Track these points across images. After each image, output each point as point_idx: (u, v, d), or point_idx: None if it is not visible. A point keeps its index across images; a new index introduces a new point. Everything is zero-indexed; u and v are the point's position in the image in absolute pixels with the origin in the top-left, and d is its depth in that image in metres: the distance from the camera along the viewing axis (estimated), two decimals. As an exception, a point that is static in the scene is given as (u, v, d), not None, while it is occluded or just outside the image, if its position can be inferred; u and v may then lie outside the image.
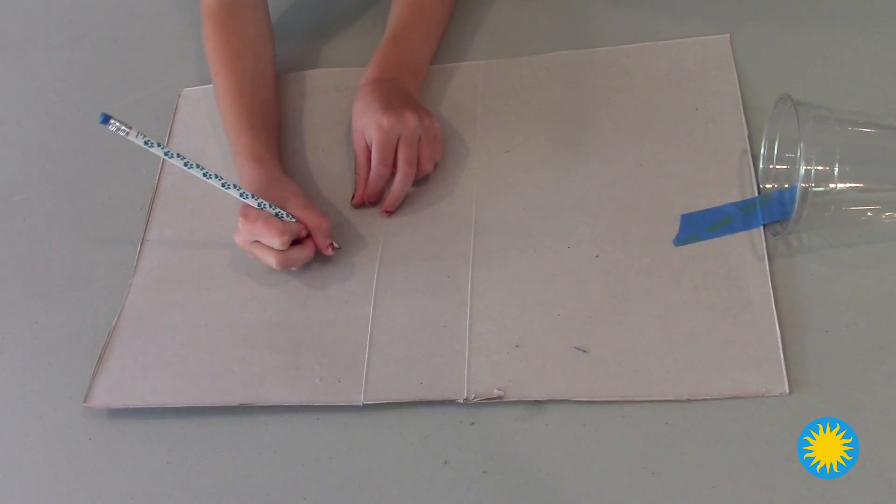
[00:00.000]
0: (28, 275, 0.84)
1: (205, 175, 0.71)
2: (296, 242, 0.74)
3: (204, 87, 0.93)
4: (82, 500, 0.69)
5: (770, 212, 0.69)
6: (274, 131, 0.83)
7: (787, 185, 0.71)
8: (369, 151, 0.77)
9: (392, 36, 0.84)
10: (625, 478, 0.61)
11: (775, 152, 0.71)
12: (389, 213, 0.78)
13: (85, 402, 0.73)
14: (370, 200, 0.79)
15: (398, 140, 0.75)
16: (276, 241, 0.71)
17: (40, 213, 0.89)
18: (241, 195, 0.72)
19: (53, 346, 0.78)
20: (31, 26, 1.08)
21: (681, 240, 0.70)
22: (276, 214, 0.72)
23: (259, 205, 0.72)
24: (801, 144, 0.63)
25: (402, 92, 0.79)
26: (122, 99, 0.94)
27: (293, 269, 0.75)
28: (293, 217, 0.73)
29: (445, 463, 0.65)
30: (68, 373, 0.76)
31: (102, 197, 0.88)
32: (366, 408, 0.68)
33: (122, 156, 0.90)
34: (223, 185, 0.72)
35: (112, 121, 0.66)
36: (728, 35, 0.81)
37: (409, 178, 0.76)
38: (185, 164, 0.70)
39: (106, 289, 0.80)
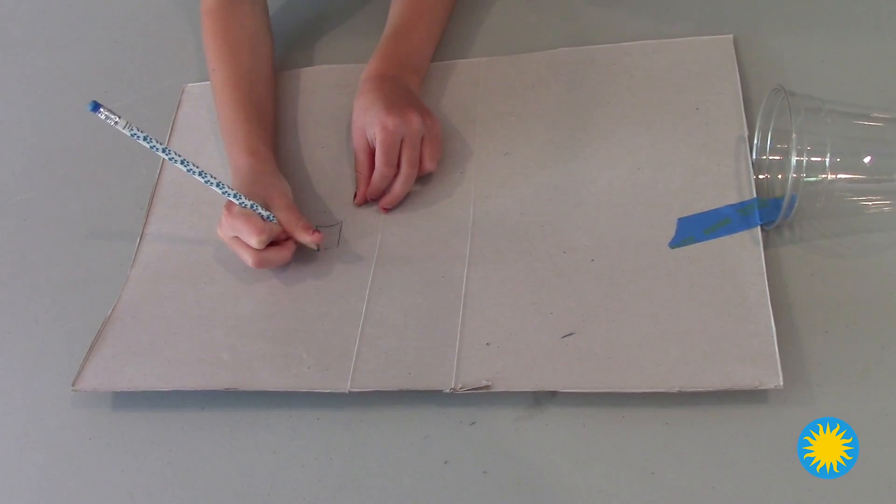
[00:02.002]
0: (28, 274, 0.84)
1: (188, 171, 0.71)
2: (276, 243, 0.74)
3: (207, 83, 0.92)
4: (82, 500, 0.69)
5: (768, 213, 0.69)
6: (270, 126, 0.84)
7: (780, 176, 0.71)
8: (370, 149, 0.78)
9: (393, 32, 0.84)
10: (625, 478, 0.61)
11: (768, 143, 0.72)
12: (387, 210, 0.78)
13: (74, 385, 0.73)
14: (371, 199, 0.79)
15: (402, 140, 0.75)
16: (254, 240, 0.71)
17: (40, 213, 0.89)
18: (224, 192, 0.72)
19: (53, 346, 0.79)
20: (31, 26, 1.08)
21: (677, 242, 0.70)
22: (260, 214, 0.73)
23: (242, 204, 0.72)
24: (794, 135, 0.63)
25: (404, 90, 0.79)
26: (122, 98, 0.94)
27: (270, 268, 0.75)
28: (275, 217, 0.74)
29: (445, 463, 0.65)
30: (68, 373, 0.76)
31: (102, 197, 0.88)
32: (366, 407, 0.68)
33: (121, 155, 0.90)
34: (206, 182, 0.72)
35: (101, 109, 0.66)
36: (731, 36, 0.81)
37: (412, 178, 0.77)
38: (171, 160, 0.71)
39: (106, 289, 0.80)
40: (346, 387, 0.68)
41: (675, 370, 0.63)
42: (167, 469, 0.69)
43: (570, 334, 0.67)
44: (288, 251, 0.74)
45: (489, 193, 0.77)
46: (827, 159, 0.64)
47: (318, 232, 0.74)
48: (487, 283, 0.72)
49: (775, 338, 0.63)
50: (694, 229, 0.70)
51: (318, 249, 0.76)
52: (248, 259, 0.73)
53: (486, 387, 0.66)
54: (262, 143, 0.79)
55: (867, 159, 0.66)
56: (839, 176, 0.65)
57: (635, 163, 0.76)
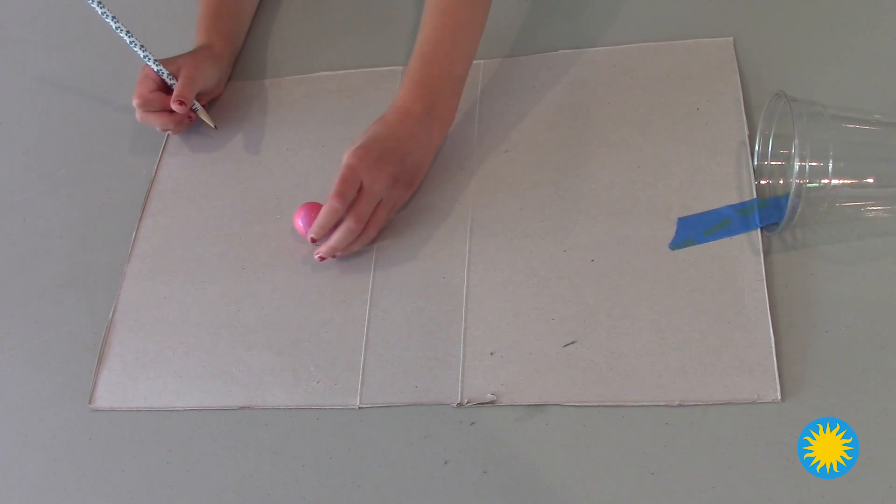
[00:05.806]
0: (28, 275, 0.84)
1: (117, 29, 0.81)
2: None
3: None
4: (82, 500, 0.69)
5: (768, 214, 0.69)
6: (234, 24, 0.93)
7: (781, 182, 0.71)
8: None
9: (419, 53, 0.78)
10: (625, 478, 0.61)
11: (770, 149, 0.71)
12: (322, 259, 0.75)
13: (90, 403, 0.74)
14: (315, 238, 0.74)
15: (359, 190, 0.72)
16: (134, 99, 0.83)
17: (40, 213, 0.89)
18: (144, 57, 0.83)
19: (53, 346, 0.78)
20: (31, 26, 1.08)
21: (676, 244, 0.70)
22: (164, 79, 0.84)
23: (159, 71, 0.83)
24: (796, 140, 0.63)
25: (412, 144, 0.75)
26: (123, 99, 0.94)
27: (152, 125, 0.85)
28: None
29: (445, 463, 0.65)
30: (68, 373, 0.76)
31: (102, 197, 0.88)
32: (364, 408, 0.68)
33: (121, 156, 0.90)
34: (130, 43, 0.82)
35: None
36: (731, 38, 0.81)
37: (353, 233, 0.73)
38: (103, 14, 0.81)
39: (105, 288, 0.80)
40: (355, 403, 0.69)
41: (675, 382, 0.64)
42: (167, 469, 0.69)
43: (572, 342, 0.67)
44: (167, 119, 0.84)
45: (488, 191, 0.77)
46: (829, 165, 0.64)
47: (184, 106, 0.82)
48: (488, 284, 0.72)
49: (774, 349, 0.63)
50: (694, 230, 0.70)
51: (216, 127, 0.87)
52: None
53: (493, 401, 0.66)
54: (217, 35, 0.90)
55: (869, 165, 0.66)
56: (841, 181, 0.65)
57: (635, 161, 0.76)
